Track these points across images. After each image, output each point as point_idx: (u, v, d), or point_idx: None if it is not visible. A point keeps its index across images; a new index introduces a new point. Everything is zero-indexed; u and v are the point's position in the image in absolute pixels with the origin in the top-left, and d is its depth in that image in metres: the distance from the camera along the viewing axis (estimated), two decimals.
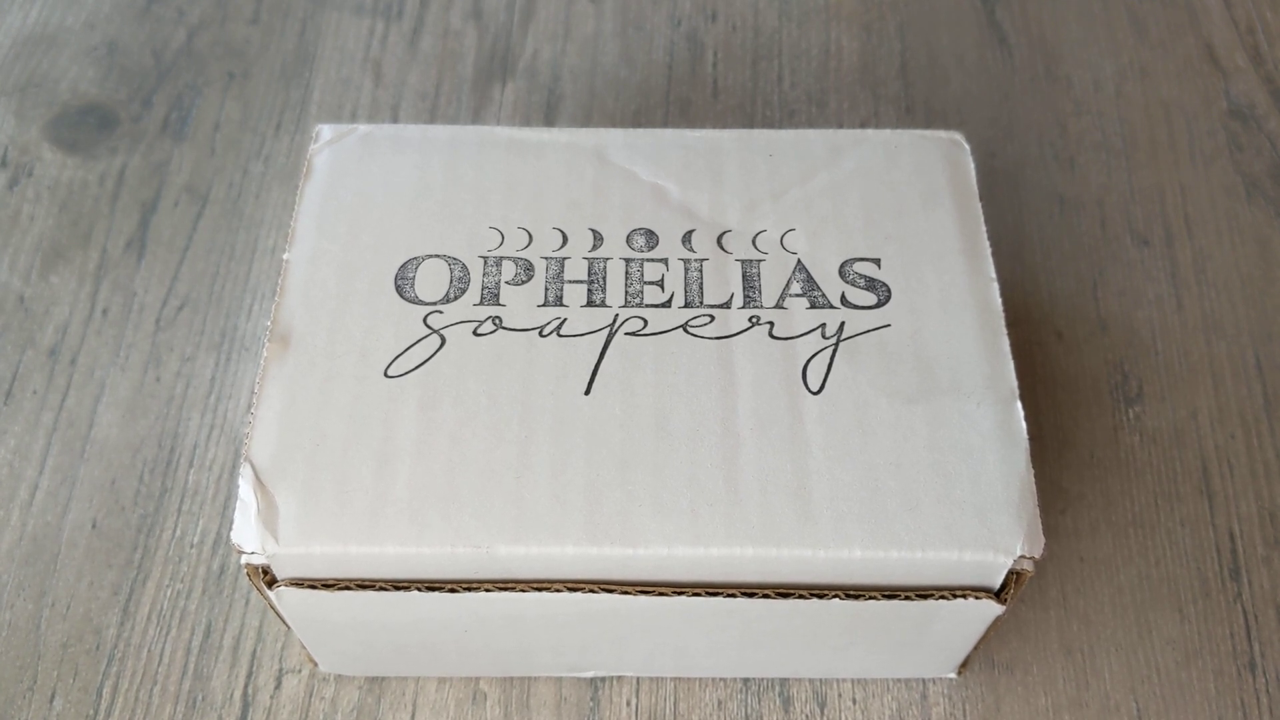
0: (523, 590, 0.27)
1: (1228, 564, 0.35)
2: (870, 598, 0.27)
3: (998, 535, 0.26)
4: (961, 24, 0.48)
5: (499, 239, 0.31)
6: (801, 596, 0.27)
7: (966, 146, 0.33)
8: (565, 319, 0.29)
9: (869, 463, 0.27)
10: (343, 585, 0.27)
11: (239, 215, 0.42)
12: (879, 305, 0.30)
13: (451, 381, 0.28)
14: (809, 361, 0.29)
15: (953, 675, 0.33)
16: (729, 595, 0.27)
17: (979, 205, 0.32)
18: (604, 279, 0.30)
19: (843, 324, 0.29)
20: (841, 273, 0.30)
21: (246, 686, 0.33)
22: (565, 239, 0.31)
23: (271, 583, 0.27)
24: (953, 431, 0.27)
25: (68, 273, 0.41)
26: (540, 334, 0.29)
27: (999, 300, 0.30)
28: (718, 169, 0.32)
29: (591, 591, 0.27)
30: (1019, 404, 0.28)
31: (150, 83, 0.46)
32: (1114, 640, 0.33)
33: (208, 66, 0.47)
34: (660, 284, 0.30)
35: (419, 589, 0.27)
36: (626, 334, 0.29)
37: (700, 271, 0.30)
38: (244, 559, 0.26)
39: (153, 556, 0.35)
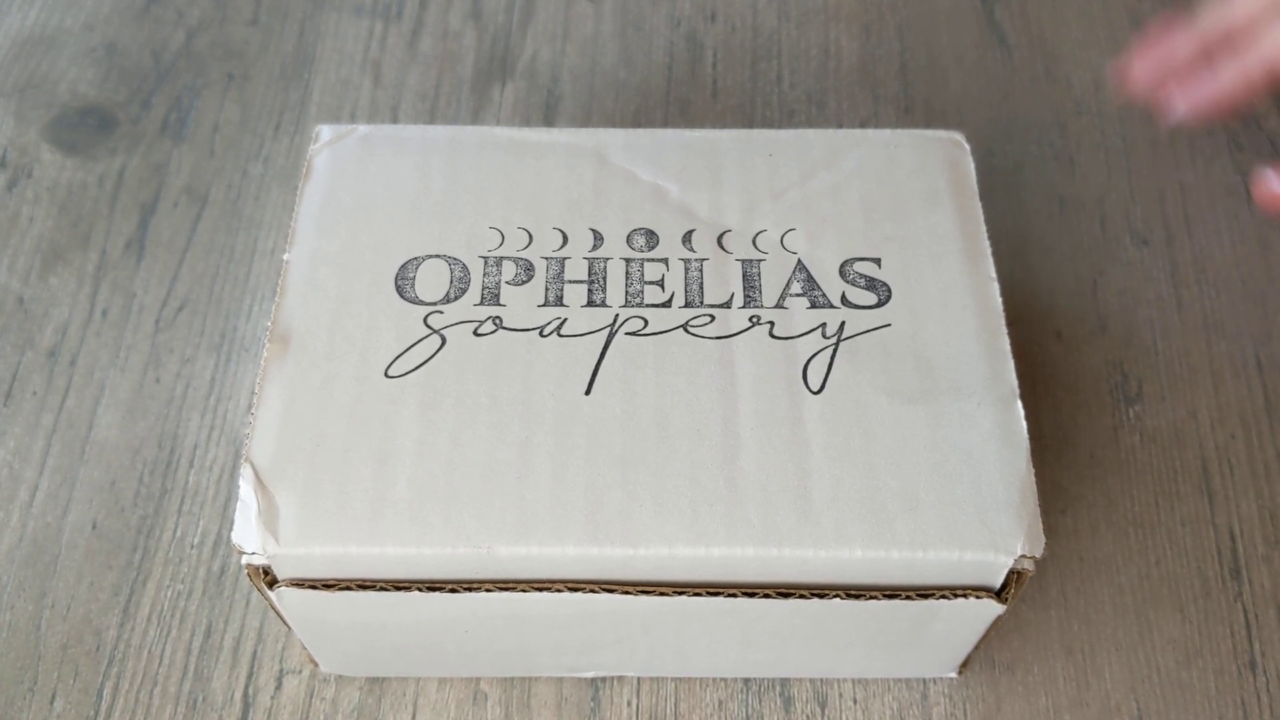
0: (524, 590, 0.27)
1: (1228, 563, 0.35)
2: (871, 597, 0.27)
3: (998, 535, 0.26)
4: (961, 24, 0.48)
5: (499, 239, 0.31)
6: (802, 596, 0.27)
7: (966, 146, 0.33)
8: (565, 319, 0.29)
9: (869, 463, 0.27)
10: (343, 586, 0.27)
11: (238, 216, 0.42)
12: (879, 305, 0.30)
13: (452, 382, 0.28)
14: (809, 361, 0.29)
15: (953, 675, 0.33)
16: (729, 595, 0.27)
17: (979, 205, 0.32)
18: (604, 279, 0.30)
19: (843, 324, 0.29)
20: (842, 272, 0.30)
21: (247, 687, 0.33)
22: (565, 239, 0.31)
23: (272, 583, 0.27)
24: (953, 431, 0.27)
25: (67, 274, 0.41)
26: (540, 334, 0.29)
27: (999, 300, 0.30)
28: (717, 169, 0.32)
29: (592, 591, 0.27)
30: (1019, 404, 0.28)
31: (149, 84, 0.46)
32: (1114, 640, 0.33)
33: (207, 68, 0.47)
34: (660, 284, 0.30)
35: (420, 589, 0.27)
36: (627, 334, 0.29)
37: (700, 271, 0.30)
38: (244, 559, 0.26)
39: (153, 557, 0.35)
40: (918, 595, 0.27)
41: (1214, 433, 0.37)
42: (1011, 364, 0.29)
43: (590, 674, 0.33)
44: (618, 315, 0.29)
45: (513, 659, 0.31)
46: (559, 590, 0.27)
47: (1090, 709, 0.32)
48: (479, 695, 0.32)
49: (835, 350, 0.29)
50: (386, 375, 0.28)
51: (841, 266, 0.30)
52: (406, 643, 0.30)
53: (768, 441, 0.27)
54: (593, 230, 0.31)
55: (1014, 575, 0.27)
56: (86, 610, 0.34)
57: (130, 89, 0.46)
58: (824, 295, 0.30)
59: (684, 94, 0.46)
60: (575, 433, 0.27)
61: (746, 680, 0.33)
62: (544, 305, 0.30)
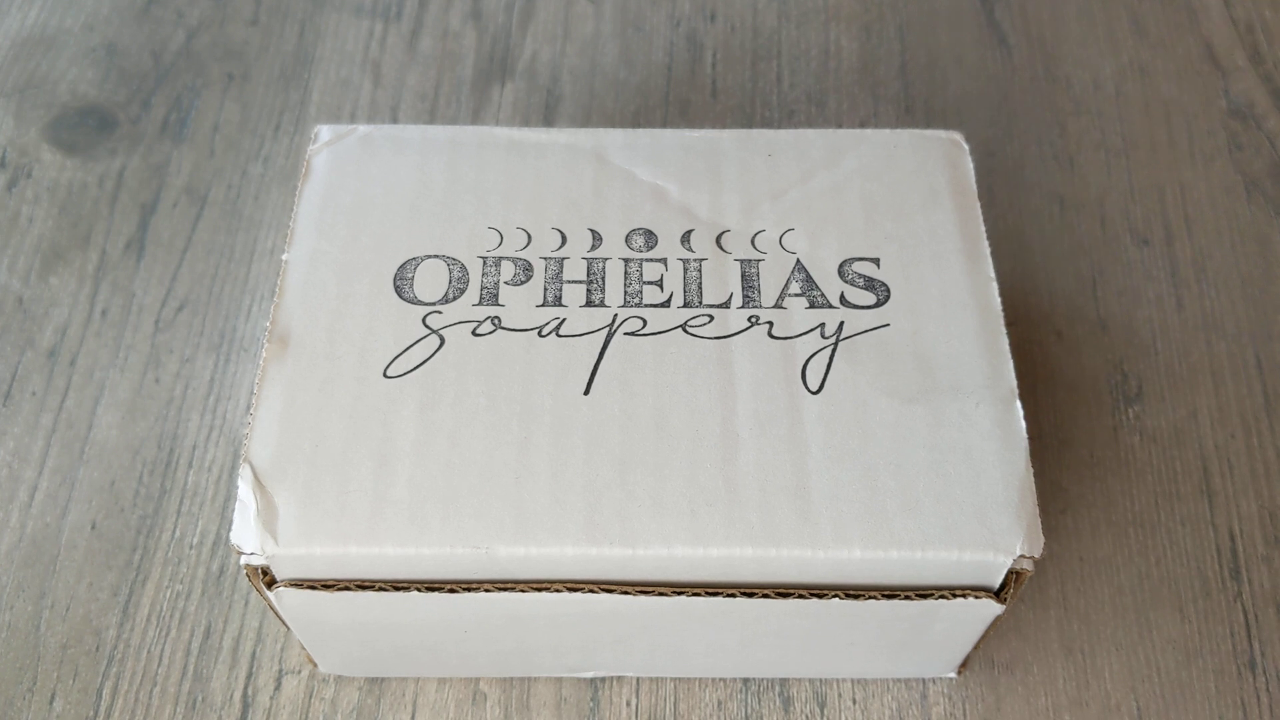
0: (522, 591, 0.27)
1: (1228, 563, 0.35)
2: (870, 598, 0.27)
3: (997, 535, 0.26)
4: (961, 24, 0.48)
5: (498, 239, 0.31)
6: (801, 596, 0.27)
7: (966, 146, 0.33)
8: (564, 319, 0.29)
9: (869, 463, 0.27)
10: (342, 586, 0.27)
11: (238, 216, 0.42)
12: (878, 305, 0.30)
13: (451, 382, 0.28)
14: (808, 361, 0.29)
15: (953, 675, 0.33)
16: (729, 595, 0.27)
17: (979, 205, 0.32)
18: (603, 279, 0.30)
19: (842, 324, 0.29)
20: (841, 272, 0.30)
21: (246, 687, 0.33)
22: (564, 239, 0.31)
23: (271, 583, 0.27)
24: (953, 431, 0.27)
25: (67, 274, 0.41)
26: (539, 334, 0.29)
27: (999, 300, 0.30)
28: (717, 169, 0.32)
29: (591, 592, 0.27)
30: (1019, 404, 0.28)
31: (149, 84, 0.46)
32: (1114, 640, 0.33)
33: (207, 68, 0.47)
34: (659, 284, 0.30)
35: (419, 590, 0.27)
36: (626, 334, 0.29)
37: (699, 271, 0.30)
38: (243, 560, 0.26)
39: (152, 558, 0.35)
40: (917, 595, 0.27)
41: (1214, 433, 0.37)
42: (1011, 364, 0.29)
43: (590, 674, 0.33)
44: (616, 315, 0.29)
45: (512, 659, 0.31)
46: (558, 590, 0.27)
47: (1090, 709, 0.32)
48: (478, 695, 0.32)
49: (834, 350, 0.29)
50: (385, 375, 0.28)
51: (840, 266, 0.30)
52: (405, 643, 0.30)
53: (766, 441, 0.27)
54: (591, 230, 0.31)
55: (1013, 575, 0.27)
56: (86, 610, 0.34)
57: (130, 89, 0.46)
58: (823, 295, 0.30)
59: (684, 94, 0.46)
60: (574, 433, 0.27)
61: (746, 680, 0.33)
62: (543, 305, 0.30)
